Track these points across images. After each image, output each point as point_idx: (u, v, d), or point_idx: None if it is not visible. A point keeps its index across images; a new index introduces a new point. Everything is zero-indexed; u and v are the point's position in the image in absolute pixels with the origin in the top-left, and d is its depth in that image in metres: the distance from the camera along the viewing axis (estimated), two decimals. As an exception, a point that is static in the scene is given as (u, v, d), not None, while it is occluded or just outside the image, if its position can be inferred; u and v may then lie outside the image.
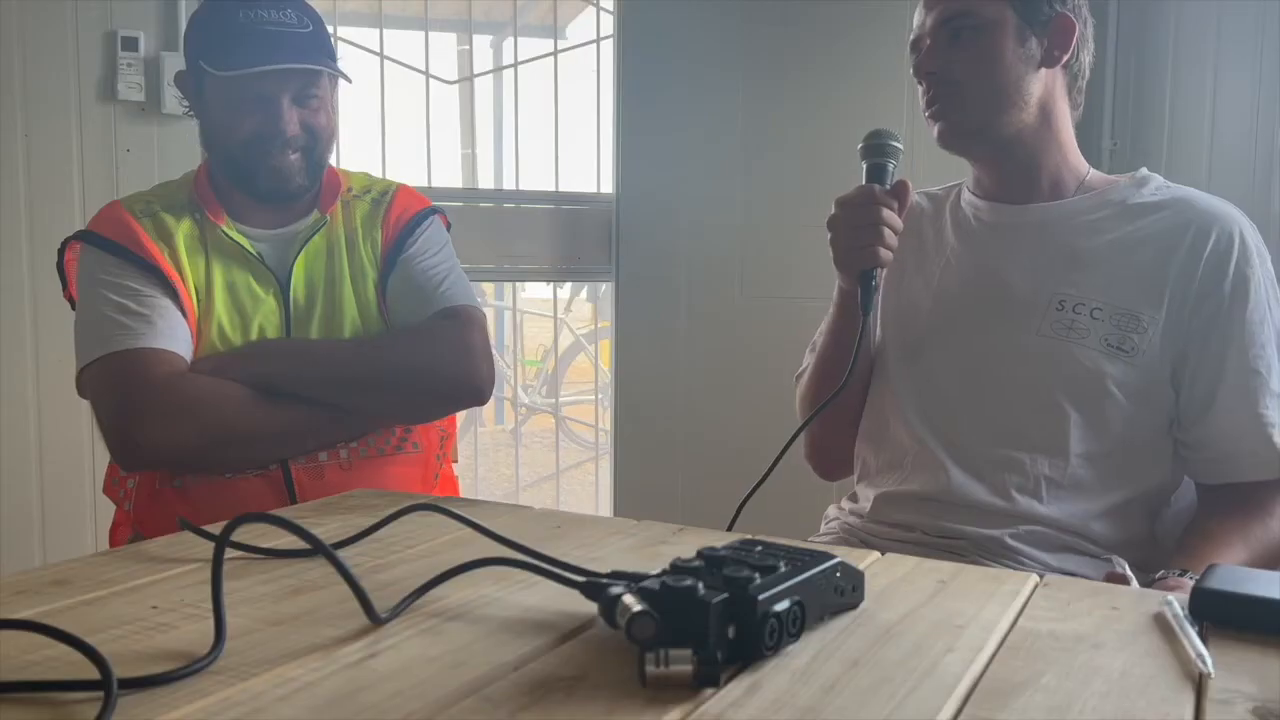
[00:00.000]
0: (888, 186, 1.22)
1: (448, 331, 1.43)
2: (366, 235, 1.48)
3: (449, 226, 1.57)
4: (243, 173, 1.41)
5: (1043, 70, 1.25)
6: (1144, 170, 1.31)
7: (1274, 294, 1.23)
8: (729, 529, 1.10)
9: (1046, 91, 1.26)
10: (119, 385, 1.30)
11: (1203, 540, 1.17)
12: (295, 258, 1.44)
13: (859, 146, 1.24)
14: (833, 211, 1.23)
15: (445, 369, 1.41)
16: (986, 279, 1.29)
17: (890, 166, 1.23)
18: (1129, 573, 1.05)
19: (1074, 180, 1.30)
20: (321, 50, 1.42)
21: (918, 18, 1.29)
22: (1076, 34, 1.26)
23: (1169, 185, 1.29)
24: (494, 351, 1.50)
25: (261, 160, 1.39)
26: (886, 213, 1.20)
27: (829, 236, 1.24)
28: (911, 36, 1.30)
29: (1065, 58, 1.26)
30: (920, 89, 1.28)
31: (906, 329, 1.33)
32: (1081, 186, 1.30)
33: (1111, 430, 1.20)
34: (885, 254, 1.21)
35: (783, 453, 1.20)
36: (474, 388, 1.42)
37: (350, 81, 1.46)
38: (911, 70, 1.29)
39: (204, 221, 1.43)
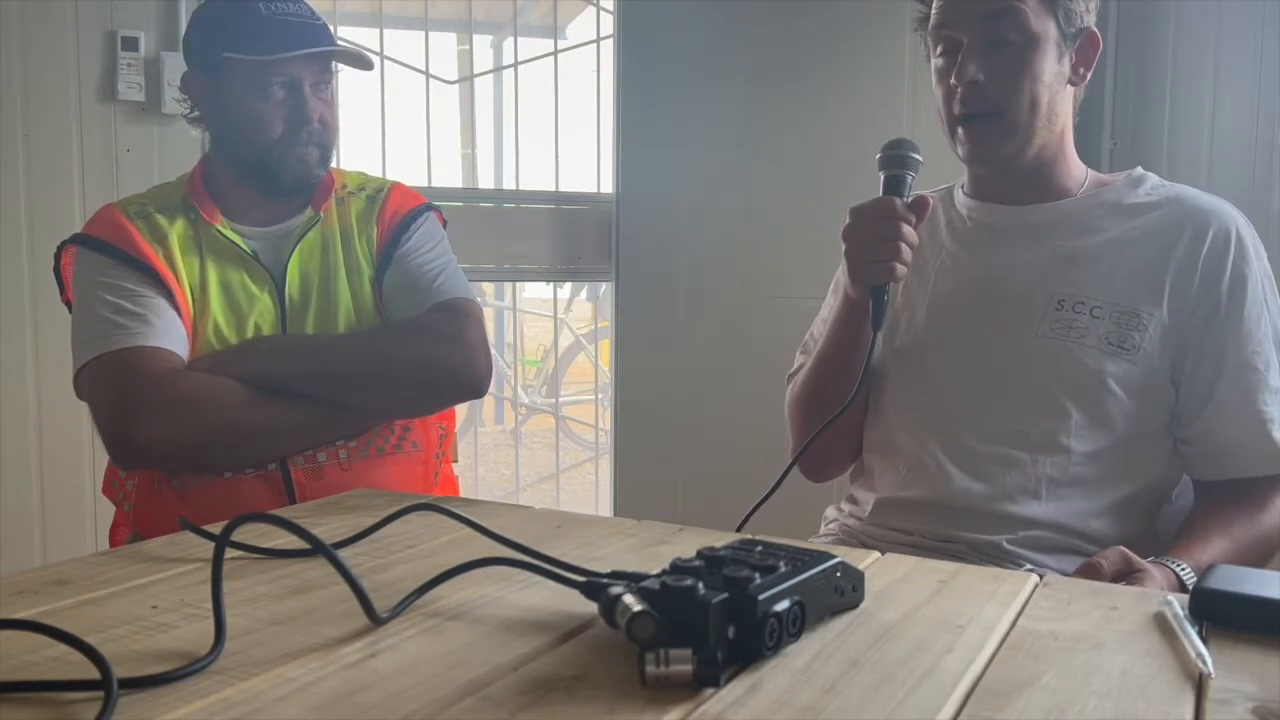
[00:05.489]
0: (907, 199, 1.20)
1: (444, 325, 1.43)
2: (362, 232, 1.48)
3: (444, 224, 1.57)
4: (269, 165, 1.42)
5: (1069, 88, 1.25)
6: (1139, 169, 1.31)
7: (1271, 290, 1.24)
8: (738, 530, 1.10)
9: (1066, 108, 1.26)
10: (115, 383, 1.30)
11: (1188, 532, 1.17)
12: (290, 255, 1.44)
13: (877, 156, 1.22)
14: (848, 221, 1.21)
15: (442, 362, 1.40)
16: (984, 280, 1.29)
17: (909, 179, 1.21)
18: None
19: (1075, 184, 1.30)
20: (335, 43, 1.46)
21: (944, 5, 1.23)
22: (1099, 50, 1.25)
23: (1164, 184, 1.28)
24: (494, 351, 1.50)
25: (289, 150, 1.41)
26: (905, 228, 1.19)
27: (843, 247, 1.22)
28: (935, 20, 1.23)
29: (1089, 75, 1.25)
30: (954, 90, 1.22)
31: (903, 332, 1.32)
32: (1081, 188, 1.30)
33: (1113, 428, 1.20)
34: (901, 269, 1.20)
35: (791, 465, 1.20)
36: (471, 381, 1.41)
37: (370, 68, 1.52)
38: (952, 78, 1.22)
39: (198, 221, 1.43)
